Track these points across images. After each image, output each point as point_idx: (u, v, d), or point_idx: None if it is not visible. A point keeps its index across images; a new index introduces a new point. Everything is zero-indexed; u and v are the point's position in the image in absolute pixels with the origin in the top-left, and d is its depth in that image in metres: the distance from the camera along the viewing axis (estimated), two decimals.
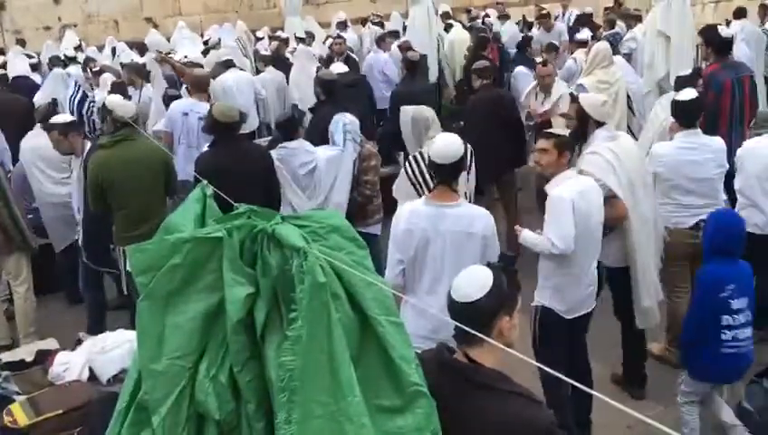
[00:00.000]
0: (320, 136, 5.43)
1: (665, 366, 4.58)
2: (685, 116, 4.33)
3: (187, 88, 7.14)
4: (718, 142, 4.41)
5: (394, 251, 3.34)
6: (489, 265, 2.14)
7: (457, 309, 2.01)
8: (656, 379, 4.45)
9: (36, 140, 5.95)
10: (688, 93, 4.40)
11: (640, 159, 4.24)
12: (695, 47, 6.62)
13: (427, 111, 4.62)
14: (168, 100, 7.23)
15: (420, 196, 4.19)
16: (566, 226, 3.51)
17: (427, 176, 4.22)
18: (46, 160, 5.86)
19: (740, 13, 9.23)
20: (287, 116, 5.33)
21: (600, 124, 4.20)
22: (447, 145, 3.31)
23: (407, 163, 4.45)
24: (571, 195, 3.54)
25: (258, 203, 1.79)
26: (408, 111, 4.59)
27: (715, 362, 3.53)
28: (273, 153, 5.00)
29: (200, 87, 6.81)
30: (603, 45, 6.65)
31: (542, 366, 1.59)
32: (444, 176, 3.29)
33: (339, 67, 8.05)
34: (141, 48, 11.98)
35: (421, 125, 4.49)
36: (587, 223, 3.59)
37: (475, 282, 2.03)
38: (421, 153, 4.35)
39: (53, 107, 6.23)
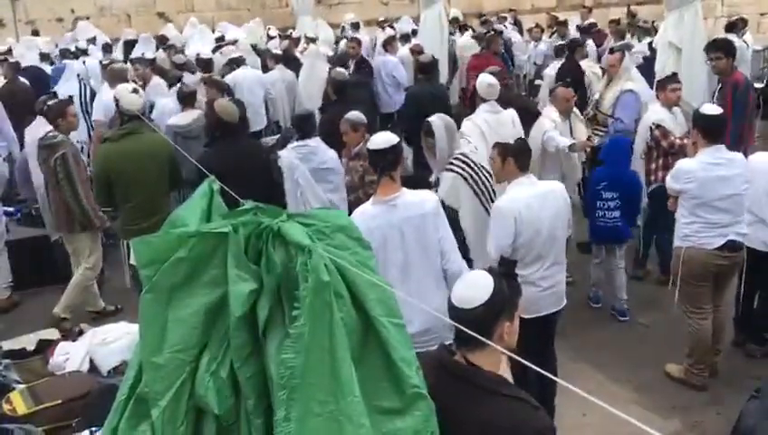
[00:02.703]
0: (329, 135, 5.42)
1: (666, 379, 4.56)
2: (712, 131, 4.23)
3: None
4: (741, 157, 4.35)
5: None
6: (490, 269, 2.15)
7: (458, 314, 2.01)
8: (658, 391, 4.44)
9: (35, 132, 5.98)
10: (712, 108, 4.36)
11: (516, 132, 5.17)
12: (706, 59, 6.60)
13: (448, 118, 4.69)
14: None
15: (475, 191, 4.35)
16: (501, 237, 3.73)
17: (479, 172, 4.34)
18: None
19: (731, 27, 9.25)
20: (305, 114, 5.29)
21: (484, 100, 5.39)
22: (383, 136, 3.51)
23: (454, 164, 4.37)
24: (517, 205, 3.71)
25: (258, 200, 1.80)
26: (437, 120, 4.61)
27: (596, 230, 5.40)
28: (292, 153, 4.95)
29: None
30: (626, 55, 6.80)
31: (521, 360, 1.60)
32: (382, 166, 3.41)
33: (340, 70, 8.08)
34: (161, 40, 12.11)
35: (453, 130, 4.53)
36: (537, 230, 3.73)
37: (475, 288, 2.03)
38: (465, 154, 4.38)
39: (52, 98, 6.28)
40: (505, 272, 2.17)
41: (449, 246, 3.35)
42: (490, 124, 5.17)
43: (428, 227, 3.32)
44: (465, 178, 4.34)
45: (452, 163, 4.42)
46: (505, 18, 14.30)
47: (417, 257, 3.31)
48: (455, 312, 2.02)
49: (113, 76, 7.09)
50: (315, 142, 5.00)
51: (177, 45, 11.77)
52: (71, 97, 6.07)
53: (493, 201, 4.39)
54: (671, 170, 4.43)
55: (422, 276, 3.30)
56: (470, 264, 3.79)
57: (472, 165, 4.34)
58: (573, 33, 11.43)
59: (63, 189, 5.25)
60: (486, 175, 4.37)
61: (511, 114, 5.47)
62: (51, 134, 5.36)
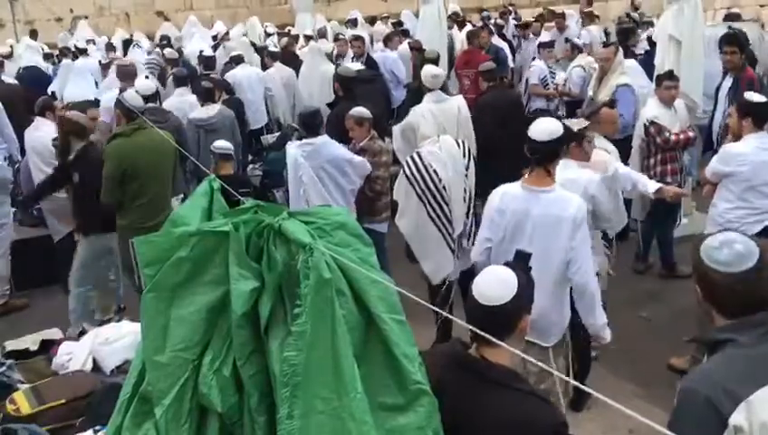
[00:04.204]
0: (336, 132, 5.41)
1: (668, 372, 4.56)
2: (762, 117, 4.31)
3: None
4: None
5: (484, 229, 3.49)
6: (507, 264, 2.16)
7: (485, 312, 2.02)
8: (660, 384, 4.44)
9: (32, 134, 5.99)
10: (758, 96, 4.43)
11: (462, 117, 5.62)
12: (706, 52, 6.57)
13: (410, 117, 4.73)
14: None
15: (418, 193, 4.30)
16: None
17: (424, 172, 4.30)
18: (38, 154, 5.91)
19: (732, 18, 9.19)
20: (311, 111, 5.26)
21: (430, 90, 5.75)
22: (546, 125, 3.38)
23: (405, 163, 4.46)
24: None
25: None
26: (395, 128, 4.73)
27: None
28: (298, 150, 4.89)
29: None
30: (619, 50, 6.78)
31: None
32: (540, 157, 3.34)
33: (355, 64, 8.06)
34: (162, 39, 12.12)
35: (408, 131, 4.57)
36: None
37: (502, 285, 2.05)
38: (419, 153, 4.38)
39: (51, 99, 6.31)
40: (522, 265, 2.19)
41: (581, 258, 3.28)
42: (434, 112, 5.55)
43: (562, 231, 3.26)
44: (408, 178, 4.35)
45: (406, 161, 4.47)
46: (510, 12, 14.28)
47: (538, 257, 3.23)
48: (480, 309, 2.03)
49: (124, 74, 7.10)
50: (321, 140, 4.95)
51: (173, 43, 11.80)
52: (97, 100, 6.06)
53: (438, 204, 4.35)
54: (718, 154, 4.41)
55: (535, 277, 3.30)
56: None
57: (420, 165, 4.32)
58: (573, 26, 11.39)
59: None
60: (435, 178, 4.32)
61: (457, 101, 5.79)
62: None
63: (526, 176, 3.41)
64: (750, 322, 1.90)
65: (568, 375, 3.50)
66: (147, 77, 7.55)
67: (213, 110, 6.58)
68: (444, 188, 4.30)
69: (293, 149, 4.94)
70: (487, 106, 6.36)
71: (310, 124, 5.07)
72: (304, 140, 4.99)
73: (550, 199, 3.31)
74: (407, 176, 4.36)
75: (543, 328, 3.34)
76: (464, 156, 4.47)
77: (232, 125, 6.65)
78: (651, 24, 10.29)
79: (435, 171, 4.30)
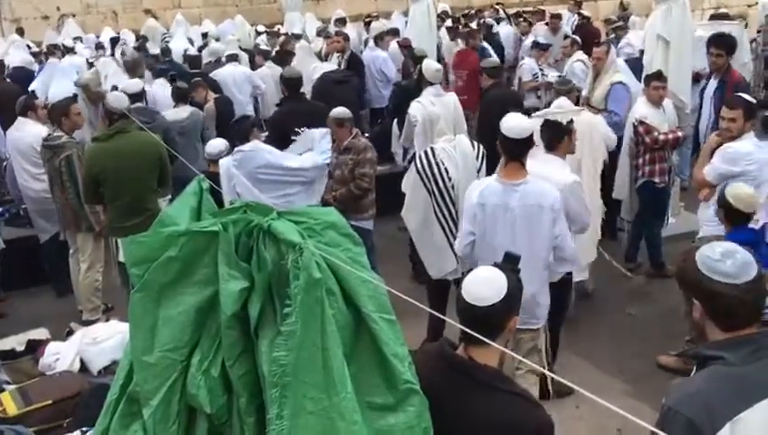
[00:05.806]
0: (277, 131, 5.51)
1: (657, 370, 4.58)
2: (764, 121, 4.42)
3: None
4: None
5: (466, 223, 3.64)
6: (496, 265, 2.17)
7: (474, 312, 2.03)
8: (649, 382, 4.47)
9: (15, 134, 5.95)
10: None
11: (457, 114, 5.95)
12: (693, 53, 6.61)
13: (424, 110, 4.71)
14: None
15: (428, 189, 4.32)
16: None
17: (435, 169, 4.32)
18: (22, 154, 5.87)
19: (719, 18, 9.25)
20: (239, 117, 5.26)
21: (431, 83, 5.97)
22: (518, 122, 3.52)
23: (417, 157, 4.44)
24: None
25: None
26: (415, 110, 4.72)
27: None
28: (230, 159, 4.83)
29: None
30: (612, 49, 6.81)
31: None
32: (514, 152, 3.50)
33: (327, 65, 8.04)
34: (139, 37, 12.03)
35: (427, 124, 4.56)
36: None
37: (491, 286, 2.06)
38: (433, 149, 4.39)
39: (32, 98, 6.28)
40: (511, 267, 2.21)
41: (564, 242, 3.53)
42: (435, 105, 5.83)
43: (545, 220, 3.44)
44: (419, 172, 4.35)
45: (419, 155, 4.48)
46: (497, 12, 14.29)
47: (524, 246, 3.36)
48: (470, 310, 2.04)
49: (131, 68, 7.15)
50: (251, 146, 4.88)
51: (153, 39, 11.76)
52: (75, 96, 6.01)
53: (444, 201, 4.34)
54: (721, 155, 4.36)
55: (523, 264, 3.34)
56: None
57: (432, 161, 4.32)
58: (565, 27, 11.40)
59: (68, 191, 5.25)
60: (445, 176, 4.31)
61: (452, 98, 6.10)
62: (55, 135, 5.31)
63: (499, 170, 3.57)
64: (739, 340, 1.87)
65: (547, 353, 3.80)
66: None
67: (185, 112, 6.53)
68: (452, 187, 4.30)
69: (226, 160, 4.87)
70: (493, 101, 6.49)
71: (238, 131, 5.04)
72: (236, 149, 4.92)
73: (527, 191, 3.47)
74: (417, 170, 4.35)
75: (534, 311, 3.55)
76: (477, 158, 4.46)
77: (199, 128, 6.60)
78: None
79: (446, 169, 4.31)
